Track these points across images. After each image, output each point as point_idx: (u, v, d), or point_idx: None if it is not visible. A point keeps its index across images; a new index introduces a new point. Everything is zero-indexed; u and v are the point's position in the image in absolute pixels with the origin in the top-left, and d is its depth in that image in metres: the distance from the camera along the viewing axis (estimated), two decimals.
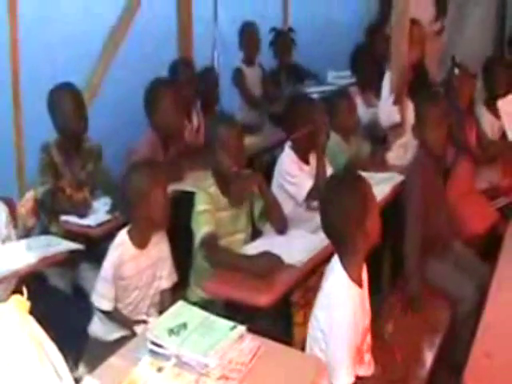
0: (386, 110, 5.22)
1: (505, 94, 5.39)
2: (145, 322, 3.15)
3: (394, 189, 4.18)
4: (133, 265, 3.31)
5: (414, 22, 5.34)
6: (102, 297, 3.27)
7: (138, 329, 3.15)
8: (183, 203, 3.73)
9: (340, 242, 2.77)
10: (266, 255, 3.26)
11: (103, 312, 3.30)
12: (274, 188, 4.09)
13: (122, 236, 3.33)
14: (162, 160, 4.32)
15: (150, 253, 3.37)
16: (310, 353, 2.76)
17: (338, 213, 2.72)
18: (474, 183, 4.92)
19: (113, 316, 3.30)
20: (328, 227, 2.80)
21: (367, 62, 6.05)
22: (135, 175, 3.32)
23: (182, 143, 4.69)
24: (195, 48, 5.75)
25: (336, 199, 2.75)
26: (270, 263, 3.22)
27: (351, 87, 6.06)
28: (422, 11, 5.81)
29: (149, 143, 4.33)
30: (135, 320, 3.27)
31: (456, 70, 5.03)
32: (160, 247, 3.43)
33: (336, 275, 2.74)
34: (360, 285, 2.76)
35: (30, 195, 4.00)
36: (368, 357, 2.88)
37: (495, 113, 5.34)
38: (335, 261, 2.77)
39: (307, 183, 4.06)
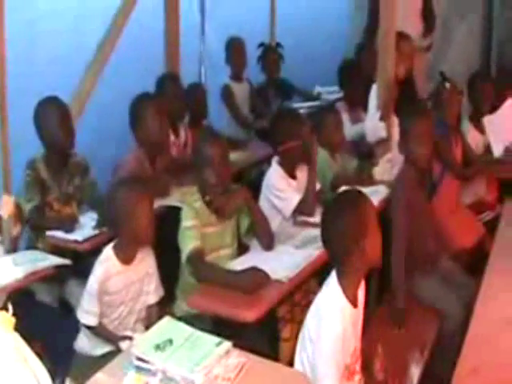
0: (373, 125, 5.25)
1: (490, 110, 5.43)
2: (130, 338, 3.13)
3: (380, 203, 4.19)
4: (118, 280, 3.30)
5: (402, 37, 5.37)
6: (87, 312, 3.26)
7: (123, 344, 3.13)
8: (170, 218, 3.73)
9: (337, 258, 2.78)
10: (253, 271, 3.26)
11: (88, 327, 3.29)
12: (262, 203, 4.10)
13: (108, 252, 3.32)
14: (148, 175, 4.33)
15: (136, 268, 3.37)
16: (299, 364, 2.77)
17: (336, 230, 2.75)
18: (460, 198, 4.94)
19: (98, 331, 3.29)
20: (326, 243, 2.82)
21: (355, 77, 6.07)
22: (120, 191, 3.32)
23: (169, 158, 4.69)
24: (182, 64, 5.75)
25: (335, 216, 2.77)
26: (257, 279, 3.22)
27: (338, 102, 6.08)
28: (410, 27, 5.84)
29: (135, 159, 4.32)
30: (120, 336, 3.26)
31: (447, 84, 5.03)
32: (146, 262, 3.42)
33: (330, 289, 2.75)
34: (355, 304, 2.77)
35: (7, 198, 3.92)
36: (358, 377, 2.88)
37: (480, 128, 5.37)
38: (332, 275, 2.78)
39: (294, 198, 4.07)
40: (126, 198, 3.26)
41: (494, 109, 5.49)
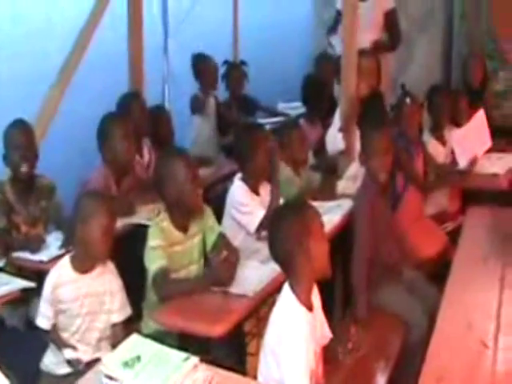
0: (332, 136, 5.31)
1: (451, 122, 5.53)
2: (74, 347, 3.27)
3: (343, 218, 4.24)
4: (70, 288, 3.31)
5: (364, 55, 5.42)
6: (41, 315, 3.31)
7: (67, 353, 3.24)
8: (137, 236, 3.75)
9: (285, 265, 2.85)
10: (217, 264, 3.37)
11: (43, 331, 3.33)
12: (226, 219, 4.13)
13: (65, 259, 3.38)
14: (114, 194, 4.35)
15: (93, 281, 3.36)
16: (261, 377, 2.81)
17: (280, 237, 2.82)
18: (423, 209, 5.02)
19: (51, 336, 3.33)
20: (273, 251, 2.89)
21: (316, 92, 6.13)
22: (80, 202, 3.37)
23: (135, 177, 4.71)
24: (146, 84, 5.77)
25: (280, 224, 2.84)
26: (225, 268, 3.33)
27: (300, 118, 6.12)
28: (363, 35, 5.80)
29: (101, 177, 4.36)
30: (68, 344, 3.31)
31: (407, 100, 5.09)
32: (107, 279, 3.40)
33: (284, 297, 2.82)
34: (310, 308, 2.82)
35: None
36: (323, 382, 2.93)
37: (441, 140, 5.45)
38: (285, 286, 2.84)
39: (259, 212, 4.09)
40: (82, 208, 3.31)
41: (454, 122, 5.59)
